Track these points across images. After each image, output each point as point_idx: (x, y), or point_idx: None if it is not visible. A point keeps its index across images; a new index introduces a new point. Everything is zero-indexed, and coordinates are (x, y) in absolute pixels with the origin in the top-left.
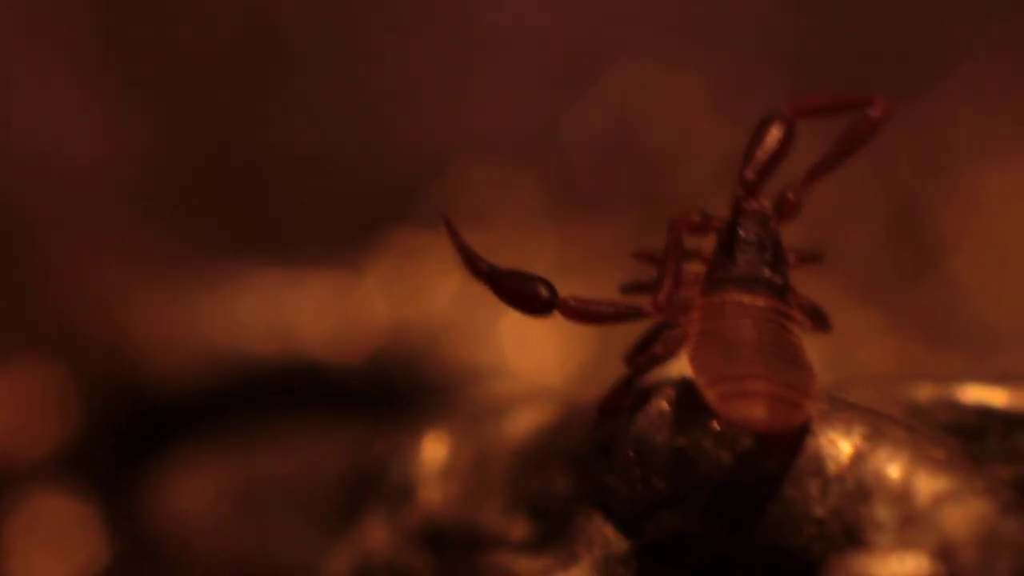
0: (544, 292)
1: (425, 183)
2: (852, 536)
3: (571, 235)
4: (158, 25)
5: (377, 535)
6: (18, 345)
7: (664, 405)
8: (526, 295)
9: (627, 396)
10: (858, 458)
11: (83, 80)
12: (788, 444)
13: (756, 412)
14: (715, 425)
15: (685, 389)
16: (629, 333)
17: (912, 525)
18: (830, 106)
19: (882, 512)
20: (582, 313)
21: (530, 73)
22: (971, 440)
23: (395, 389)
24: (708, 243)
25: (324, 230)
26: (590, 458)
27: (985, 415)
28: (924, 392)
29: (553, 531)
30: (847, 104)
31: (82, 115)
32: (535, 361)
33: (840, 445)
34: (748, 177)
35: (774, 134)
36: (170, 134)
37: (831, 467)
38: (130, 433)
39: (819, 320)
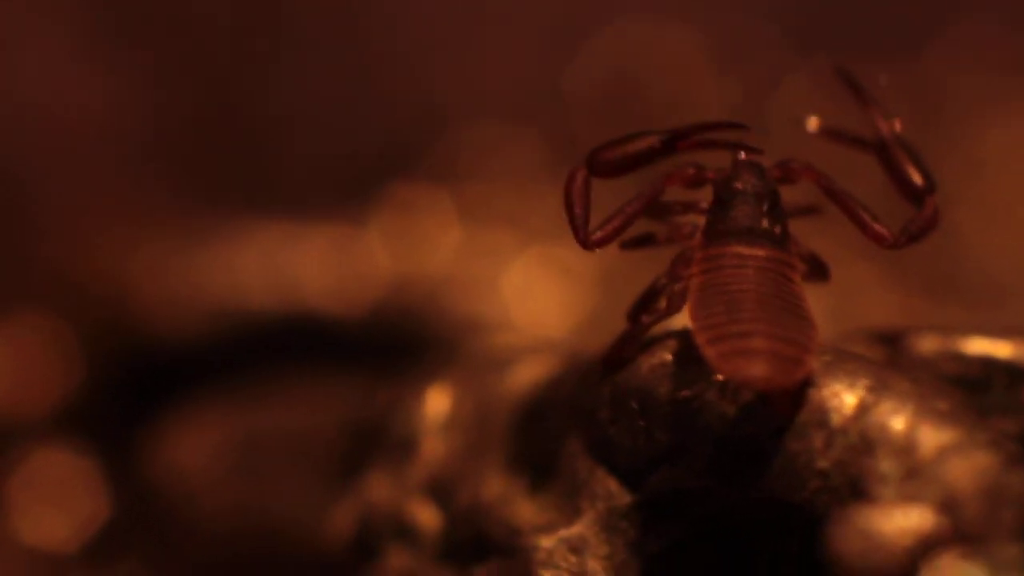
0: None
1: (426, 138)
2: (856, 489)
3: None
4: None
5: (380, 489)
6: (18, 301)
7: (667, 356)
8: None
9: (631, 349)
10: (862, 410)
11: (82, 37)
12: (791, 399)
13: (756, 370)
14: (719, 378)
15: (688, 340)
16: (632, 286)
17: (916, 478)
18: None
19: (886, 465)
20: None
21: (531, 29)
22: (975, 392)
23: (397, 342)
24: (704, 195)
25: (325, 184)
26: (593, 411)
27: (989, 367)
28: (928, 344)
29: (556, 485)
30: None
31: (81, 71)
32: (537, 314)
33: (844, 397)
34: None
35: None
36: (170, 90)
37: (835, 419)
38: (131, 388)
39: (818, 270)
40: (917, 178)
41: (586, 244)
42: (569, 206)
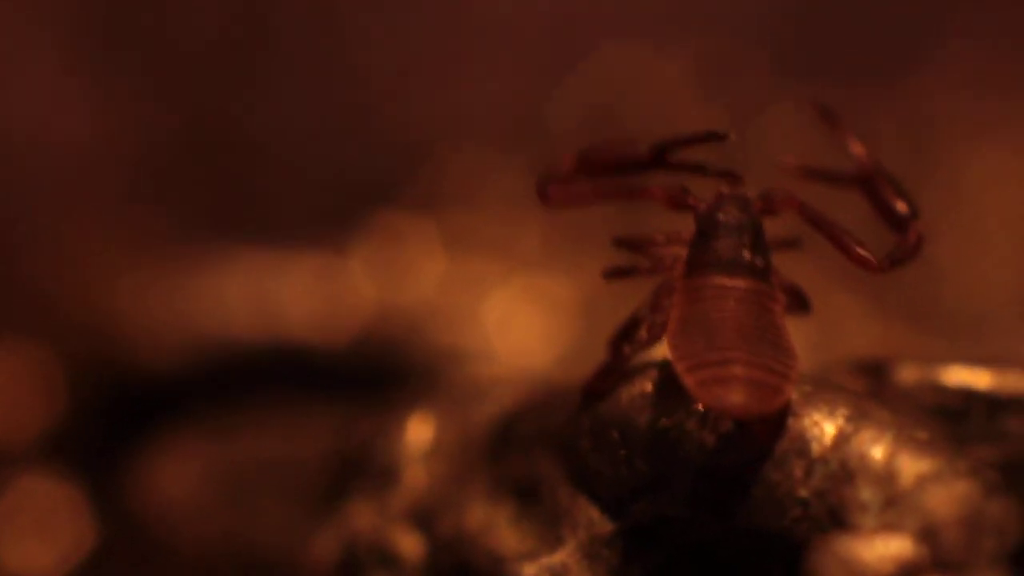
0: None
1: (411, 166)
2: (836, 518)
3: (556, 219)
4: (146, 8)
5: (362, 517)
6: (2, 328)
7: (647, 386)
8: None
9: (612, 379)
10: (842, 439)
11: (69, 63)
12: (770, 427)
13: (734, 397)
14: (699, 406)
15: (668, 370)
16: (614, 317)
17: (896, 506)
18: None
19: (866, 493)
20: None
21: (516, 56)
22: (954, 422)
23: (380, 371)
24: (687, 226)
25: (309, 213)
26: (574, 440)
27: (968, 397)
28: (908, 374)
29: (538, 513)
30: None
31: (68, 98)
32: (519, 344)
33: (824, 426)
34: None
35: None
36: (156, 117)
37: (815, 449)
38: (115, 416)
39: (800, 302)
40: (900, 206)
41: (541, 196)
42: (556, 163)
